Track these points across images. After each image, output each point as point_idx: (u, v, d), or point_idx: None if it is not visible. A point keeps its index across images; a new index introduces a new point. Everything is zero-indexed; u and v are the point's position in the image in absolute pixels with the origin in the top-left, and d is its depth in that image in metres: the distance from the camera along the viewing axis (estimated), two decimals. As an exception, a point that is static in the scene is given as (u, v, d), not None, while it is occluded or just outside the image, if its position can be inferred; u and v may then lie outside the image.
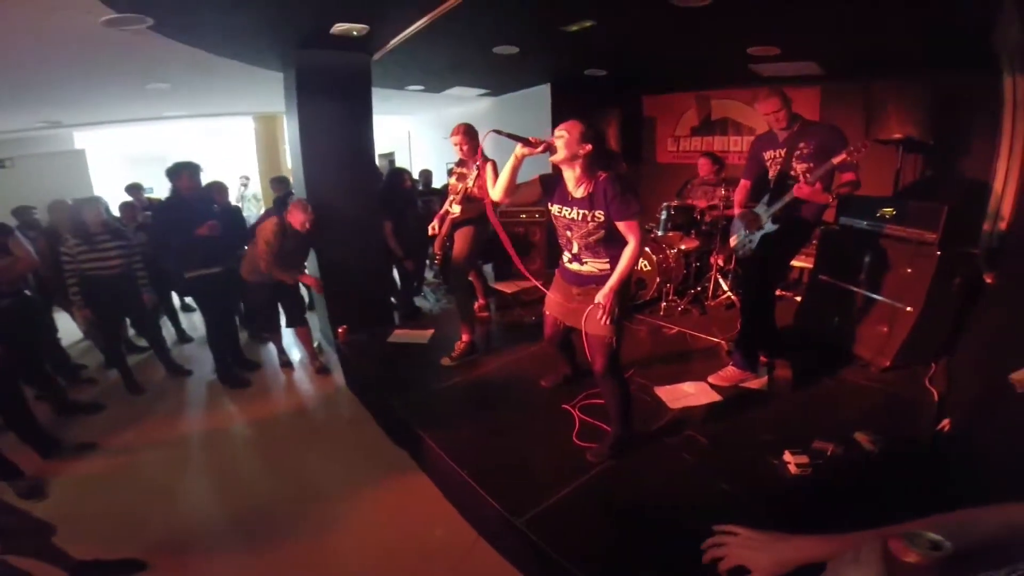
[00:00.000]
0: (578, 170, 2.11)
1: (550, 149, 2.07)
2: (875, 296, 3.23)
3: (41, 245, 3.90)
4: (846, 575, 0.61)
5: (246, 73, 4.50)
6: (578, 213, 2.15)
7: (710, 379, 3.07)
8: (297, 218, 3.59)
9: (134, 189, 5.41)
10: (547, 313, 2.54)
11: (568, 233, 2.24)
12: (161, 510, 2.61)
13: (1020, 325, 2.12)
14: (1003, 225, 3.27)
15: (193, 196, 3.62)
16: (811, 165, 2.60)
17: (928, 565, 0.55)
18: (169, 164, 3.64)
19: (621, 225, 2.09)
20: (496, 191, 2.22)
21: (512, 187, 2.20)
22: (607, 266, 2.18)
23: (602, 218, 2.10)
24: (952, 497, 1.75)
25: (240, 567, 2.24)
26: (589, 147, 2.06)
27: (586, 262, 2.24)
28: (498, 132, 2.13)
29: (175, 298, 5.19)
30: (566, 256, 2.34)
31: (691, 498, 2.15)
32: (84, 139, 8.35)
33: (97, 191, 6.81)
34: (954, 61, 3.69)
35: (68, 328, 4.56)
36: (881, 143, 4.07)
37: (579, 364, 2.91)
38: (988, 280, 2.84)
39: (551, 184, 2.26)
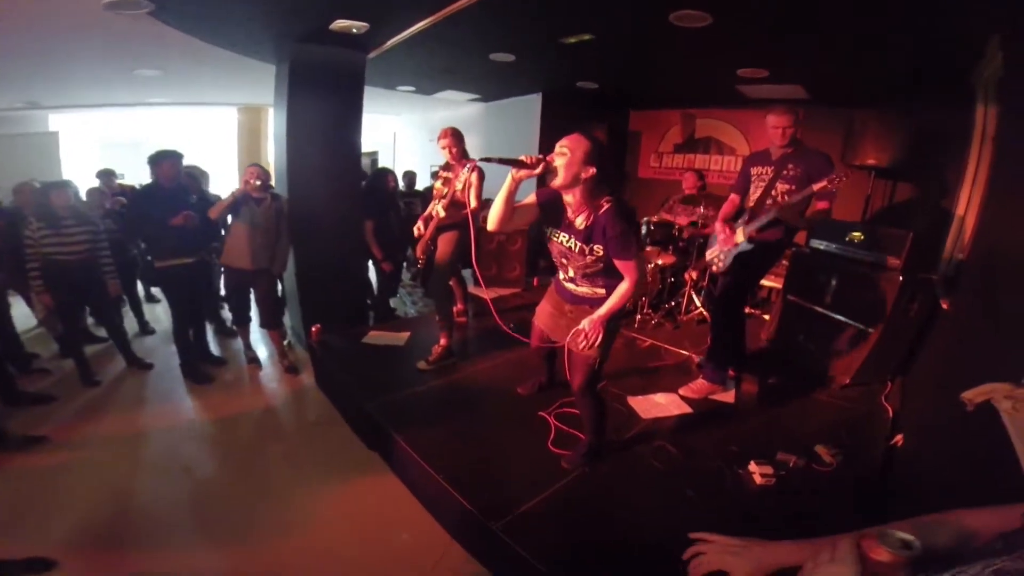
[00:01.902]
0: (579, 195, 1.90)
1: (548, 168, 1.85)
2: (839, 317, 3.36)
3: (0, 226, 3.74)
4: (822, 574, 0.62)
5: (236, 63, 4.44)
6: (575, 244, 1.99)
7: (681, 391, 3.13)
8: (247, 172, 3.56)
9: (106, 175, 5.24)
10: (535, 323, 2.52)
11: (564, 260, 2.12)
12: (111, 508, 2.48)
13: (971, 349, 2.24)
14: (961, 255, 3.44)
15: (172, 185, 3.54)
16: (792, 187, 2.68)
17: (900, 563, 0.58)
18: (144, 151, 3.57)
19: (618, 263, 1.96)
20: (491, 221, 1.97)
21: (509, 216, 1.95)
22: (603, 291, 2.10)
23: (601, 252, 1.96)
24: (903, 507, 1.83)
25: (193, 568, 2.15)
26: (593, 170, 1.84)
27: (581, 285, 2.16)
28: (488, 160, 1.88)
29: (140, 289, 5.02)
30: (562, 274, 2.23)
31: (661, 505, 2.19)
32: (59, 121, 8.08)
33: (67, 175, 6.56)
34: (932, 97, 3.90)
35: (21, 314, 4.35)
36: (855, 168, 4.24)
37: (556, 373, 2.92)
38: (944, 306, 2.99)
39: (549, 206, 2.03)
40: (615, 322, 2.15)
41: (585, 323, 2.03)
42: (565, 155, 1.82)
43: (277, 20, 3.32)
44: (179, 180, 3.64)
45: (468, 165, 2.90)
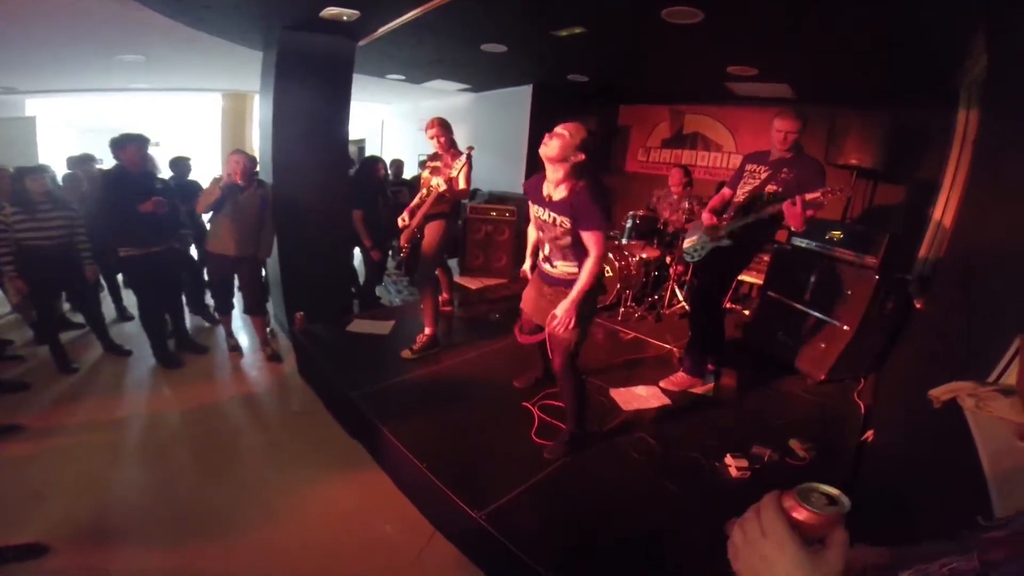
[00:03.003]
0: (561, 172, 2.10)
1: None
2: (817, 314, 3.43)
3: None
4: (760, 552, 0.55)
5: (222, 50, 4.35)
6: (549, 216, 2.18)
7: (661, 384, 3.19)
8: (231, 160, 3.51)
9: (83, 160, 5.11)
10: (522, 308, 2.60)
11: (540, 233, 2.31)
12: (87, 496, 2.45)
13: (942, 349, 2.30)
14: (938, 256, 3.52)
15: (138, 171, 3.45)
16: (780, 190, 2.67)
17: (827, 521, 0.53)
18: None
19: (584, 234, 2.11)
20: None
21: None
22: (576, 270, 2.22)
23: (568, 225, 2.12)
24: (874, 502, 1.89)
25: (170, 559, 2.13)
26: (583, 157, 2.06)
27: (556, 264, 2.30)
28: (470, 155, 2.49)
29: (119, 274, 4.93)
30: (542, 255, 2.40)
31: (640, 496, 2.25)
32: (36, 106, 7.84)
33: (44, 160, 6.35)
34: (915, 99, 3.97)
35: (-6, 301, 4.27)
36: (837, 167, 4.30)
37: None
38: (918, 305, 3.06)
39: (533, 188, 2.28)
40: (590, 304, 2.28)
41: (558, 309, 2.19)
42: (563, 136, 2.04)
43: (265, 6, 3.26)
44: (145, 165, 3.56)
45: (465, 153, 3.09)
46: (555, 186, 2.14)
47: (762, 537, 0.55)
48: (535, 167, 2.24)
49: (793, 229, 2.56)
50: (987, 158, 2.79)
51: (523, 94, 6.17)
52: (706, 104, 5.86)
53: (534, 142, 2.18)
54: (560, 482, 2.31)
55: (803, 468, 2.45)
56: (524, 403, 2.89)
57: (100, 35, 3.84)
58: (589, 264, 2.13)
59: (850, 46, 3.19)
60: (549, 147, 2.05)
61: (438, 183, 3.22)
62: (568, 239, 2.17)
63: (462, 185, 3.22)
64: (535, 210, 2.27)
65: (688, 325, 3.31)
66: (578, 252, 2.19)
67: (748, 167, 2.90)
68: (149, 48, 4.48)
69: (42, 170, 3.53)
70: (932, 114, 3.87)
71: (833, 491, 0.55)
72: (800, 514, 0.53)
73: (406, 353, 3.44)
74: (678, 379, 3.18)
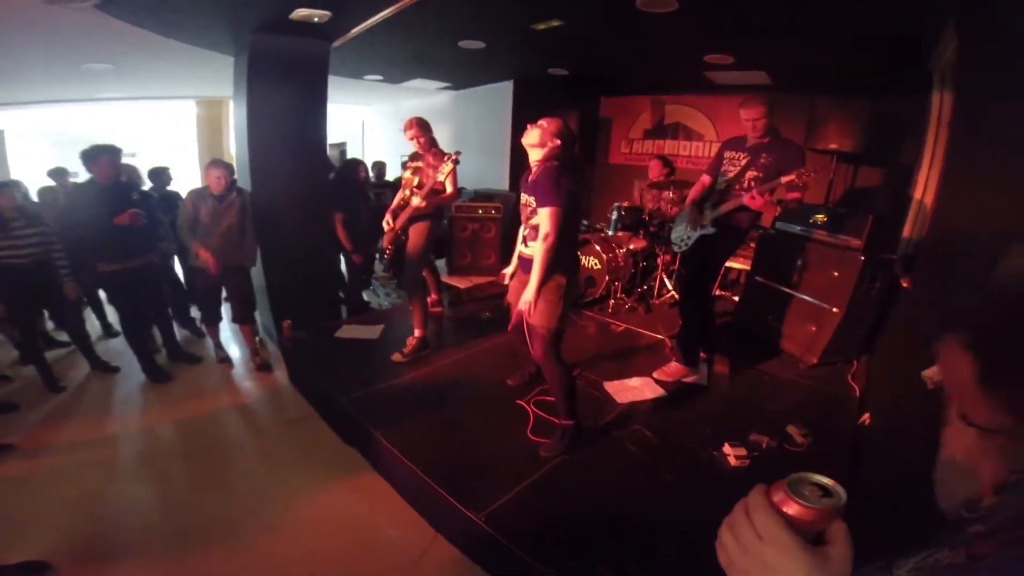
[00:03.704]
0: (539, 157, 2.24)
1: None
2: (805, 297, 3.45)
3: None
4: (761, 560, 0.49)
5: (193, 56, 4.24)
6: (524, 198, 2.31)
7: (655, 374, 3.19)
8: (211, 176, 3.45)
9: (58, 174, 4.98)
10: (509, 300, 2.61)
11: (522, 216, 2.40)
12: (84, 515, 2.42)
13: (930, 328, 2.32)
14: (921, 233, 3.56)
15: (112, 183, 3.36)
16: (760, 175, 2.70)
17: (823, 515, 0.48)
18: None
19: (540, 211, 2.16)
20: None
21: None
22: None
23: (534, 204, 2.22)
24: (875, 487, 1.89)
25: (173, 573, 2.11)
26: (558, 143, 2.21)
27: (530, 244, 2.32)
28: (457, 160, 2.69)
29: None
30: (520, 239, 2.45)
31: (639, 489, 2.24)
32: (3, 119, 7.59)
33: (15, 175, 6.17)
34: (891, 83, 4.00)
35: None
36: (818, 152, 4.33)
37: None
38: (904, 284, 3.09)
39: (523, 175, 2.39)
40: (563, 290, 2.29)
41: (524, 295, 2.27)
42: (542, 125, 2.23)
43: (233, 10, 3.18)
44: (118, 177, 3.48)
45: (452, 156, 3.10)
46: (533, 169, 2.27)
47: (759, 542, 0.50)
48: (519, 163, 2.34)
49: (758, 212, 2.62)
50: (962, 139, 2.83)
51: (504, 90, 6.12)
52: (686, 94, 5.85)
53: (517, 138, 2.21)
54: (558, 479, 2.29)
55: (802, 454, 2.45)
56: (518, 401, 2.88)
57: (64, 44, 3.73)
58: (539, 245, 2.17)
59: (823, 33, 3.21)
60: (529, 135, 2.24)
61: (414, 201, 3.20)
62: (536, 217, 2.25)
63: (449, 189, 3.20)
64: (522, 197, 2.36)
65: (678, 314, 3.32)
66: None
67: (727, 154, 2.91)
68: (117, 56, 4.37)
69: (12, 185, 3.45)
70: (908, 98, 3.90)
71: (827, 481, 0.50)
72: (792, 509, 0.48)
73: (397, 356, 3.41)
74: (671, 369, 3.18)
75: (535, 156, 2.26)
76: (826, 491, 0.49)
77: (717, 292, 4.79)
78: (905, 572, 0.55)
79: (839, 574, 0.47)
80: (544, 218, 2.15)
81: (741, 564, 0.52)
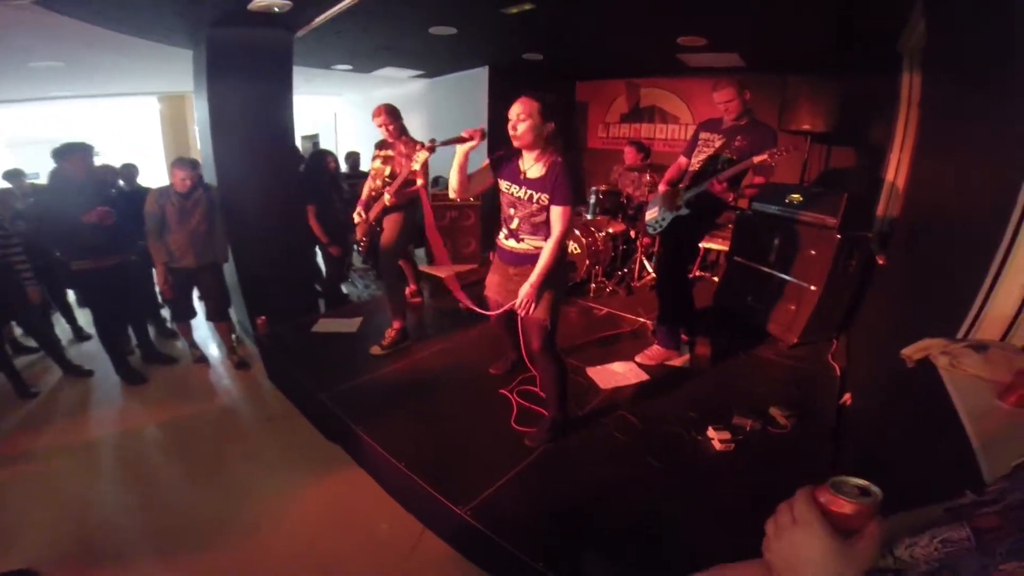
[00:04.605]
0: (538, 150, 2.12)
1: (484, 136, 2.12)
2: (783, 276, 3.48)
3: None
4: (790, 539, 0.56)
5: (152, 50, 4.04)
6: (526, 193, 2.15)
7: (637, 359, 3.19)
8: (176, 176, 3.34)
9: (14, 175, 4.73)
10: (487, 295, 2.51)
11: (512, 210, 2.25)
12: (68, 520, 2.36)
13: (907, 305, 2.35)
14: (894, 211, 3.62)
15: (84, 180, 3.22)
16: (734, 158, 2.69)
17: (864, 512, 0.53)
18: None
19: (555, 209, 2.09)
20: (452, 190, 2.25)
21: (466, 183, 2.22)
22: (543, 244, 2.19)
23: (546, 202, 2.11)
24: (857, 467, 1.91)
25: (162, 574, 2.08)
26: (552, 126, 2.09)
27: (523, 239, 2.24)
28: (432, 148, 2.32)
29: (71, 292, 4.63)
30: (503, 233, 2.33)
31: (625, 476, 2.23)
32: (-46, 122, 7.22)
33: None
34: (862, 64, 4.02)
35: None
36: (791, 133, 4.35)
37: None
38: (880, 261, 3.14)
39: (501, 163, 2.26)
40: (559, 281, 2.26)
41: (522, 290, 2.15)
42: (526, 120, 2.04)
43: (187, 3, 3.01)
44: (92, 174, 3.33)
45: (425, 147, 2.90)
46: (535, 162, 2.14)
47: (792, 524, 0.56)
48: (497, 149, 2.24)
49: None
50: (931, 119, 2.86)
51: (479, 76, 6.01)
52: (661, 77, 5.84)
53: (493, 125, 2.14)
54: (543, 469, 2.27)
55: (786, 436, 2.46)
56: (501, 390, 2.85)
57: (6, 43, 3.53)
58: (550, 244, 2.12)
59: (793, 13, 3.18)
60: (520, 135, 2.06)
61: (385, 197, 3.12)
62: (544, 215, 2.15)
63: (420, 180, 3.11)
64: (506, 186, 2.23)
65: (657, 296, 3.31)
66: (549, 228, 2.18)
67: (702, 135, 2.90)
68: (66, 53, 4.14)
69: None
70: (879, 78, 3.94)
71: (863, 482, 0.56)
72: (838, 506, 0.54)
73: (375, 349, 3.34)
74: (653, 352, 3.19)
75: (532, 151, 2.13)
76: (864, 491, 0.55)
77: (697, 273, 4.82)
78: (908, 554, 0.57)
79: (858, 565, 0.52)
80: (558, 216, 2.09)
81: (775, 546, 0.59)
